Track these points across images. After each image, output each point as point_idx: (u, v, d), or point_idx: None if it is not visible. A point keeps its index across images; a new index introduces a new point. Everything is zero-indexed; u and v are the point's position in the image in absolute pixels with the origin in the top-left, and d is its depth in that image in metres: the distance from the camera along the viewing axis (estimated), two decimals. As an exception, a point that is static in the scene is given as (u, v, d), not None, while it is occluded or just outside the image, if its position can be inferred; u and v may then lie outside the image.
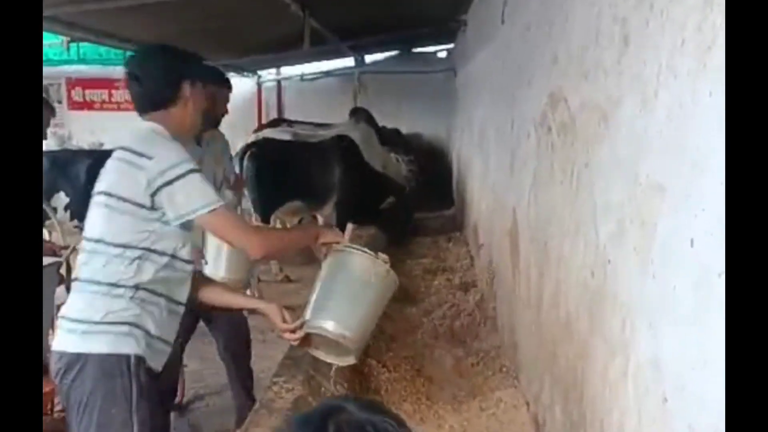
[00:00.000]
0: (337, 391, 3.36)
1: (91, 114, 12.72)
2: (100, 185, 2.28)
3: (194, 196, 2.20)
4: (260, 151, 6.61)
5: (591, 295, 2.36)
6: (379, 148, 7.38)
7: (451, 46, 11.31)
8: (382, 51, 11.97)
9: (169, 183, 2.17)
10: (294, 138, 7.29)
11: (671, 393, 1.64)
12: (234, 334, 3.56)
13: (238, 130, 10.57)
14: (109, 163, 2.29)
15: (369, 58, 12.26)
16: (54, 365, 2.24)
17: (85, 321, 2.21)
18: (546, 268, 3.14)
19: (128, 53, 7.28)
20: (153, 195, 2.18)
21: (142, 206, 2.20)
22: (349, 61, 12.11)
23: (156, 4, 4.94)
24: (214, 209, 2.21)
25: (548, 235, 3.10)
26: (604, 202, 2.25)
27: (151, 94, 2.34)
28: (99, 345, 2.20)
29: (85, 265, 2.26)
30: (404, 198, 7.47)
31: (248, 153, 6.54)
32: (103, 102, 12.70)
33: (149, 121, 2.33)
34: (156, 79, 2.34)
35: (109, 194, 2.23)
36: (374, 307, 2.49)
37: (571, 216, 2.66)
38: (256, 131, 8.75)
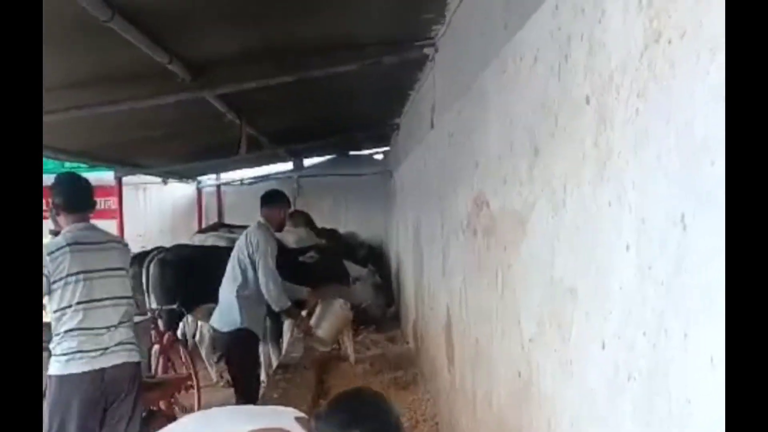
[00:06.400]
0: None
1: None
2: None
3: None
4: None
5: (519, 393, 2.42)
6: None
7: (386, 148, 11.62)
8: (319, 155, 12.21)
9: None
10: (228, 244, 7.34)
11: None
12: None
13: (179, 234, 10.59)
14: None
15: (307, 162, 12.47)
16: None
17: None
18: (478, 364, 3.19)
19: (66, 164, 7.31)
20: None
21: None
22: (288, 165, 12.29)
23: (95, 117, 4.98)
24: None
25: (479, 332, 3.17)
26: (526, 303, 2.34)
27: None
28: None
29: None
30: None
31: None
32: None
33: None
34: None
35: None
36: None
37: (498, 315, 2.74)
38: (197, 233, 8.96)
